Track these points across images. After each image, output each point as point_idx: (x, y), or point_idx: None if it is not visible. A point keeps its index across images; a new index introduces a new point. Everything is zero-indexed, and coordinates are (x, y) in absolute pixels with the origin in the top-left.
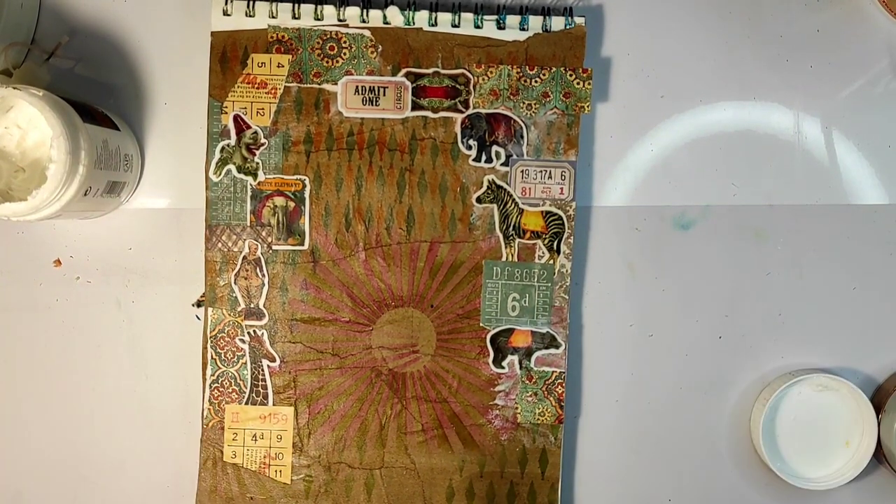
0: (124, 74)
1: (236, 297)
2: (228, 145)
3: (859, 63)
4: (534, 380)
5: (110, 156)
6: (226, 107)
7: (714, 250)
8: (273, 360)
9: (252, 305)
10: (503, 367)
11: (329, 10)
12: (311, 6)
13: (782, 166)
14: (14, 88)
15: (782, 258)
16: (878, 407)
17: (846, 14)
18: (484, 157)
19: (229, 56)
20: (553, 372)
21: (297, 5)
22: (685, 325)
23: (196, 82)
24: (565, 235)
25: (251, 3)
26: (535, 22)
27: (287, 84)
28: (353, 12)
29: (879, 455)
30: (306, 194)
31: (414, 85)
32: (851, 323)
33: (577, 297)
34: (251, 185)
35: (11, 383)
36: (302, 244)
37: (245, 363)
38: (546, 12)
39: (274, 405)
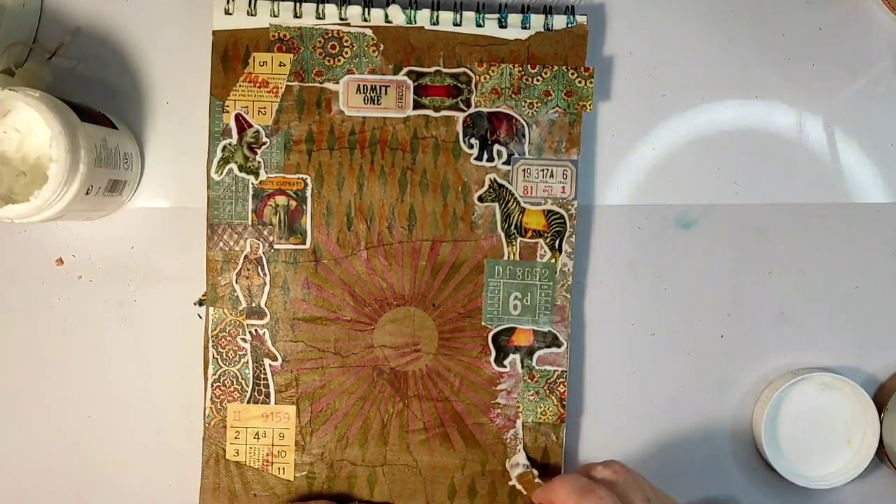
0: (126, 74)
1: (238, 297)
2: (230, 144)
3: (862, 61)
4: (535, 379)
5: (110, 154)
6: (227, 106)
7: (716, 249)
8: (275, 359)
9: (254, 305)
10: (505, 366)
11: (331, 9)
12: (313, 5)
13: (784, 165)
14: (10, 90)
15: (784, 257)
16: (881, 406)
17: (848, 12)
18: (485, 156)
19: (231, 55)
20: (555, 371)
21: (298, 4)
22: (687, 323)
23: (197, 81)
24: (567, 234)
25: (253, 1)
26: (537, 20)
27: (289, 83)
28: (354, 11)
29: (882, 454)
30: (308, 193)
31: (416, 84)
32: (854, 322)
33: (579, 295)
34: (253, 184)
35: (13, 382)
36: (304, 243)
37: (247, 362)
38: (548, 11)
39: (276, 404)
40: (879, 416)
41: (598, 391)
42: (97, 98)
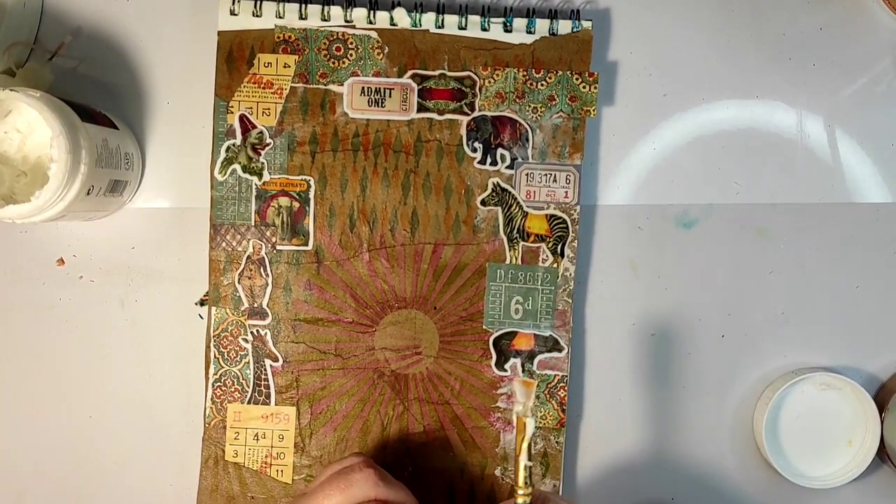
0: (127, 74)
1: (240, 297)
2: (234, 145)
3: (862, 61)
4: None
5: (111, 154)
6: (232, 106)
7: (717, 249)
8: (276, 359)
9: (255, 305)
10: (505, 370)
11: (336, 11)
12: (318, 7)
13: (785, 165)
14: (11, 91)
15: (785, 257)
16: (882, 405)
17: (848, 12)
18: (489, 160)
19: (236, 56)
20: (555, 375)
21: (304, 6)
22: (688, 323)
23: (199, 81)
24: (569, 239)
25: (258, 3)
26: (542, 25)
27: (293, 84)
28: (359, 13)
29: (882, 454)
30: (311, 195)
31: (420, 87)
32: (854, 321)
33: (580, 295)
34: (256, 184)
35: (14, 382)
36: (306, 244)
37: (248, 363)
38: (553, 15)
39: (276, 405)
40: (880, 415)
41: (599, 391)
42: (98, 98)
